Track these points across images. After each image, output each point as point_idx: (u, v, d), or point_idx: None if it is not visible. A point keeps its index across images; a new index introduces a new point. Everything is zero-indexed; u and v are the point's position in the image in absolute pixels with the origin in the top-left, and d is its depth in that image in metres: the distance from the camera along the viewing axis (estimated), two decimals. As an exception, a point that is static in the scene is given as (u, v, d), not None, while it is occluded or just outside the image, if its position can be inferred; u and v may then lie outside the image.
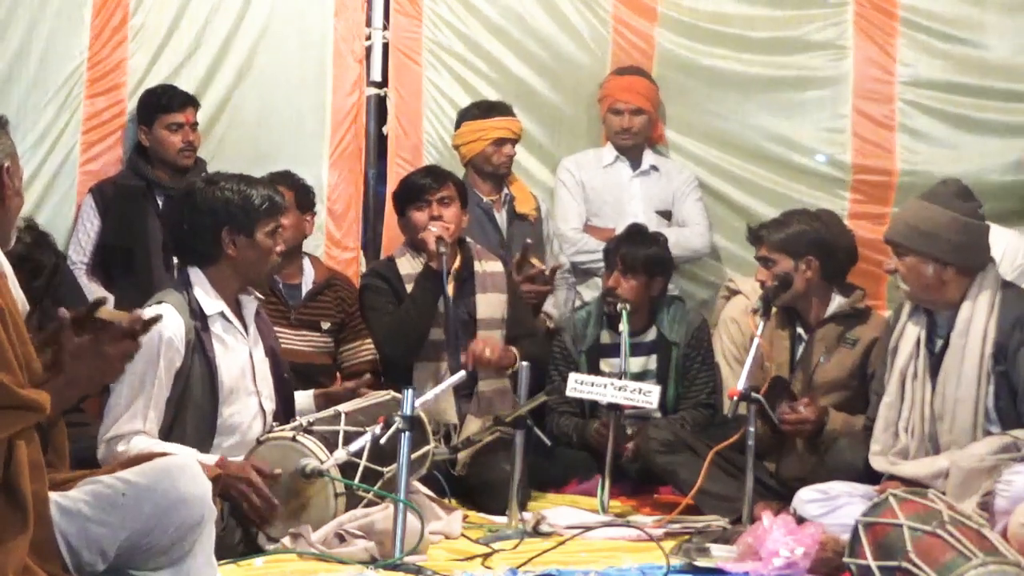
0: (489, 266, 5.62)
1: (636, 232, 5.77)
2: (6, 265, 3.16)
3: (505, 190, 6.22)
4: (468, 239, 5.65)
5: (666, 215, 6.40)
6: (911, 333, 4.81)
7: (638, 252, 5.61)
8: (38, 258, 4.66)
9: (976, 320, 4.67)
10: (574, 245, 6.32)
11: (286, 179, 5.54)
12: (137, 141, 5.89)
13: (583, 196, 6.42)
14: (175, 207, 4.62)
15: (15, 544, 2.94)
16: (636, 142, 6.45)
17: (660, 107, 6.52)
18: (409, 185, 5.62)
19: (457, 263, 5.52)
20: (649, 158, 6.50)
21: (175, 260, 5.58)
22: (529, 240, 6.02)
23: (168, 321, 4.26)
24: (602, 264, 6.20)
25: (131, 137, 5.97)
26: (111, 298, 5.48)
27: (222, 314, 4.43)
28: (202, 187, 4.48)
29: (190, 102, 5.86)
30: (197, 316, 4.37)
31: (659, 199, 6.45)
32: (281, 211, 4.55)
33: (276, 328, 4.98)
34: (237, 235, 4.41)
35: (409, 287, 5.50)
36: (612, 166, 6.47)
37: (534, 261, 6.03)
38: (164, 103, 5.79)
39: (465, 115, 6.21)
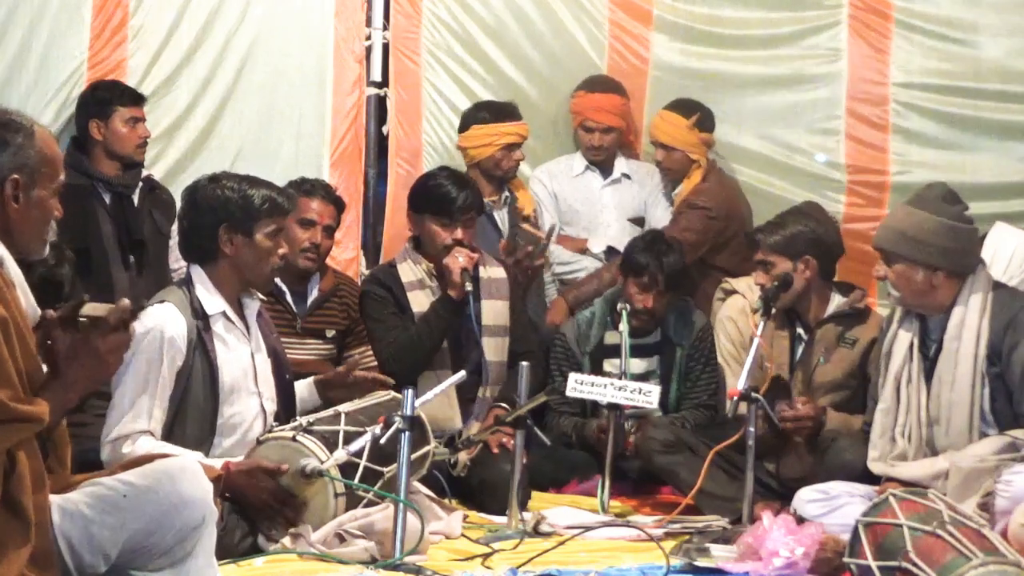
0: (493, 272, 5.60)
1: (661, 247, 5.57)
2: (15, 274, 3.13)
3: (506, 192, 6.22)
4: (474, 244, 5.59)
5: (639, 222, 6.39)
6: (904, 338, 4.82)
7: (667, 268, 5.50)
8: (59, 276, 4.66)
9: (968, 323, 4.68)
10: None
11: (333, 200, 5.54)
12: (73, 137, 5.75)
13: (556, 207, 6.42)
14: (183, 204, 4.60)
15: (14, 557, 2.94)
16: (608, 156, 6.47)
17: (631, 117, 6.53)
18: (440, 195, 5.44)
19: None
20: (620, 166, 6.50)
21: (131, 258, 5.59)
22: (525, 224, 5.99)
23: (170, 320, 4.28)
24: (577, 274, 6.19)
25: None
26: None
27: (224, 314, 4.42)
28: (205, 184, 4.48)
29: (142, 97, 5.78)
30: (199, 315, 4.36)
31: (631, 207, 6.45)
32: (283, 214, 4.52)
33: (281, 337, 4.91)
34: (235, 234, 4.40)
35: (411, 295, 5.46)
36: (582, 176, 6.47)
37: (527, 227, 6.01)
38: (120, 98, 5.69)
39: (473, 118, 6.17)
